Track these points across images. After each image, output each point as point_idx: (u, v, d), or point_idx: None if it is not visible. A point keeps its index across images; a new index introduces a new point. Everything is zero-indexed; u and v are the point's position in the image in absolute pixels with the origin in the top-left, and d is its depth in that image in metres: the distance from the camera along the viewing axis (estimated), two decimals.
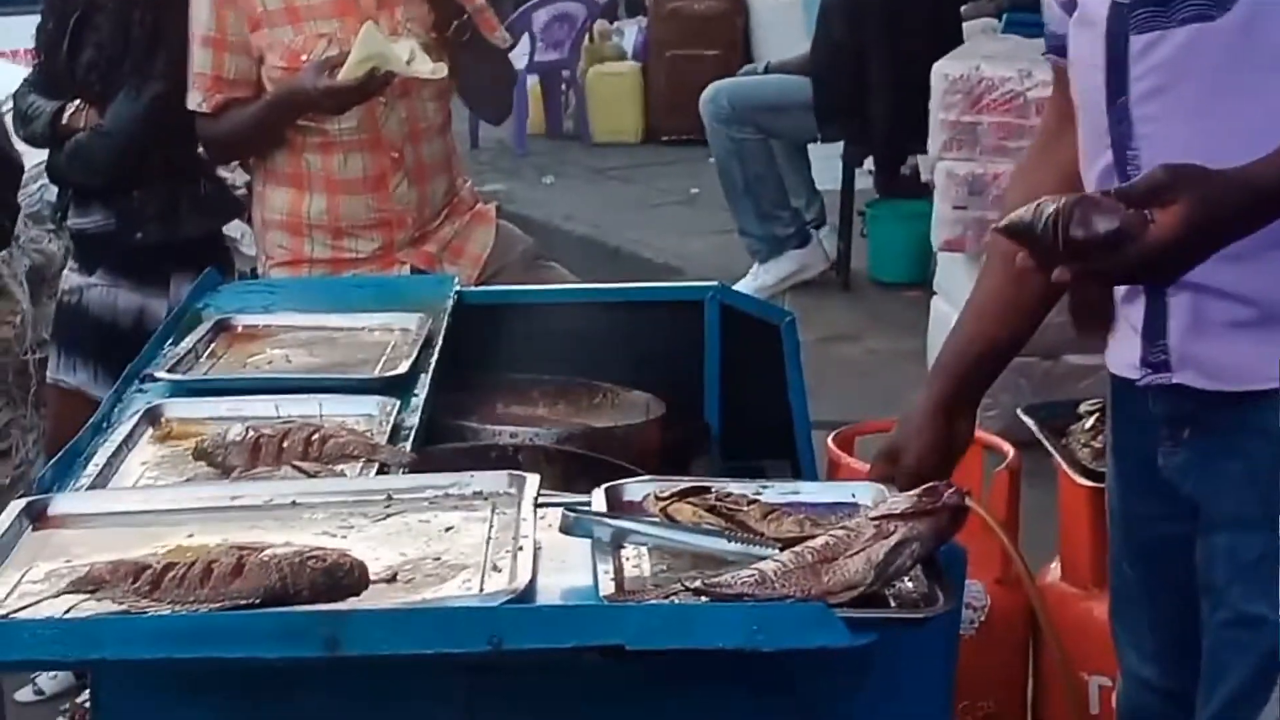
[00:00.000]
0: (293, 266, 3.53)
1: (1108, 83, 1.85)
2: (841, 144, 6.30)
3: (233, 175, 4.14)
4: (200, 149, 3.75)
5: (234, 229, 4.35)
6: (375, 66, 3.22)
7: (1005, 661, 2.81)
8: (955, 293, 5.13)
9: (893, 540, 1.69)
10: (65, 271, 3.92)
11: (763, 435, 2.77)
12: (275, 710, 1.73)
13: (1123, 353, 1.97)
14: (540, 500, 1.86)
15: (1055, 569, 2.86)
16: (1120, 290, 1.93)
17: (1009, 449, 2.86)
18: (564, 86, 10.13)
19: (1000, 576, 2.77)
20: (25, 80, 3.87)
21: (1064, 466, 2.71)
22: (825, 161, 6.51)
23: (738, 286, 6.28)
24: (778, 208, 6.22)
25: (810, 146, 6.43)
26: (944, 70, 4.82)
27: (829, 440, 2.81)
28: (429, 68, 3.29)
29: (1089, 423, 2.81)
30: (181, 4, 3.59)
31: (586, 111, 9.90)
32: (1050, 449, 2.76)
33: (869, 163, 6.50)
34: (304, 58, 3.37)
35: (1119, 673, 2.12)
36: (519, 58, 9.57)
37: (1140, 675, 2.07)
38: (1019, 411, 2.92)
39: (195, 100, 3.47)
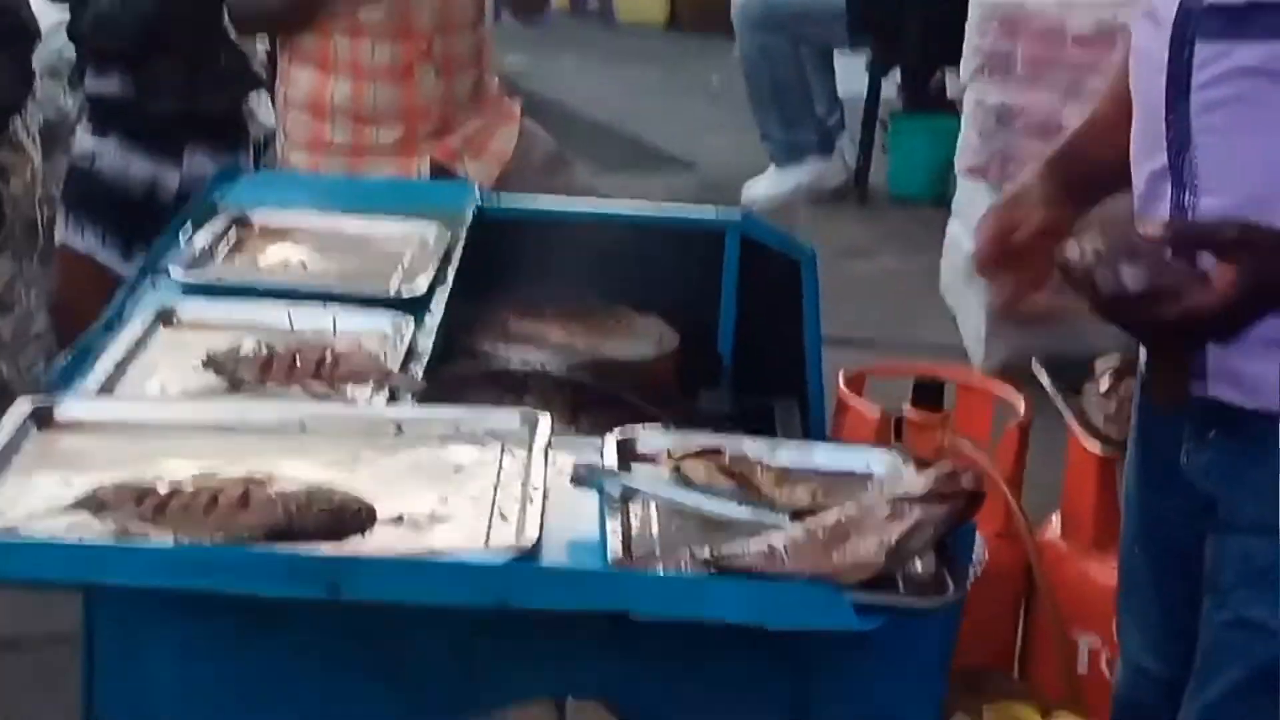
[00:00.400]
0: (313, 150, 3.49)
1: (1168, 85, 1.78)
2: (867, 53, 6.22)
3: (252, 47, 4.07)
4: (225, 20, 3.69)
5: (251, 98, 4.30)
6: None
7: (997, 616, 2.81)
8: (973, 217, 5.05)
9: (908, 523, 1.67)
10: (79, 133, 3.87)
11: (775, 370, 2.75)
12: (272, 640, 1.72)
13: None
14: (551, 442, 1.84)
15: (1055, 525, 2.86)
16: None
17: (1020, 404, 2.83)
18: None
19: (1001, 530, 2.76)
20: None
21: (1075, 427, 2.69)
22: (848, 69, 6.43)
23: (751, 185, 6.28)
24: (803, 115, 6.14)
25: (835, 54, 6.35)
26: None
27: (840, 381, 2.79)
28: None
29: (1104, 384, 2.79)
30: None
31: None
32: (1062, 408, 2.74)
33: (895, 74, 6.43)
34: None
35: (1119, 659, 2.10)
36: None
37: (1140, 663, 2.06)
38: (1034, 364, 2.89)
39: None
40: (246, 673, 1.73)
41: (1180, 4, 1.76)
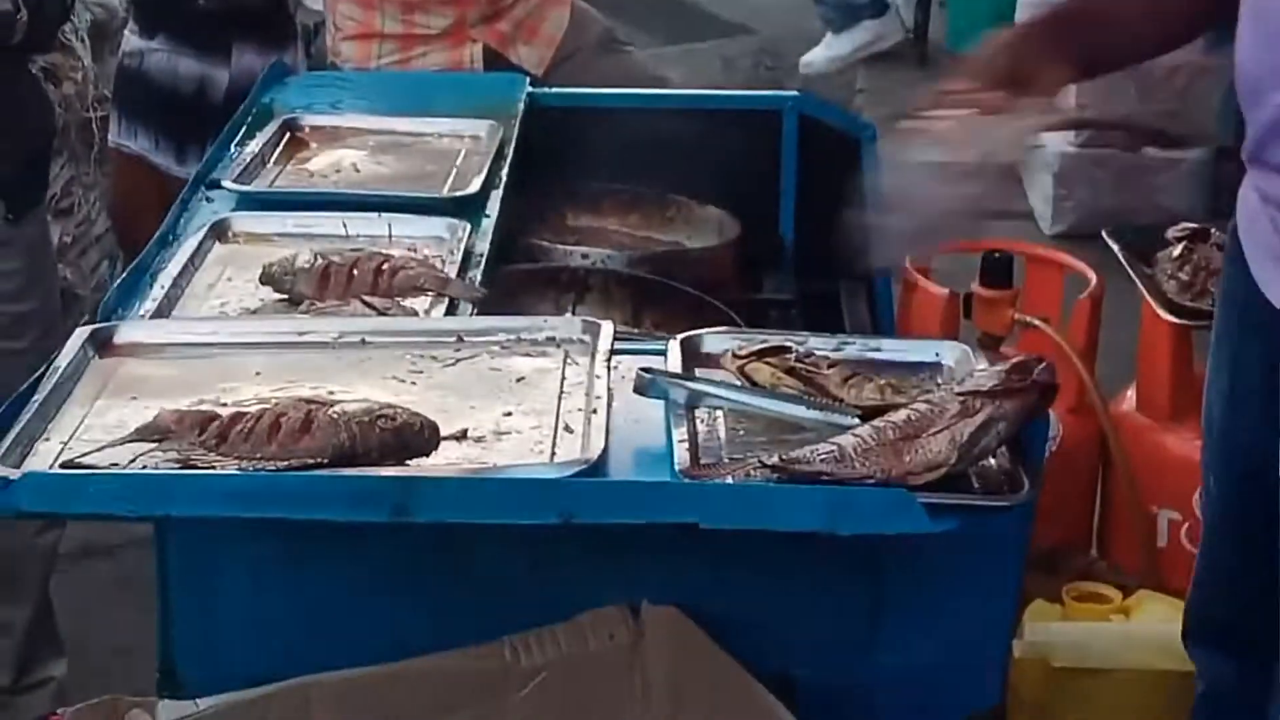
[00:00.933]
0: (363, 40, 3.44)
1: None
2: None
3: None
4: None
5: None
6: None
7: (1073, 492, 2.77)
8: None
9: (979, 419, 1.63)
10: (126, 33, 3.84)
11: (839, 252, 2.70)
12: (342, 559, 1.72)
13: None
14: (615, 345, 1.81)
15: (1130, 398, 2.81)
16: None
17: (1091, 275, 2.78)
18: None
19: (1074, 405, 2.72)
20: None
21: (1148, 298, 2.64)
22: None
23: (809, 56, 6.18)
24: None
25: None
26: None
27: (905, 260, 2.74)
28: None
29: (1176, 250, 2.73)
30: None
31: None
32: (1135, 278, 2.69)
33: None
34: None
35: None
36: None
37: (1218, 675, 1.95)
38: (1104, 234, 2.83)
39: None
40: (318, 593, 1.73)
41: None
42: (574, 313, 2.33)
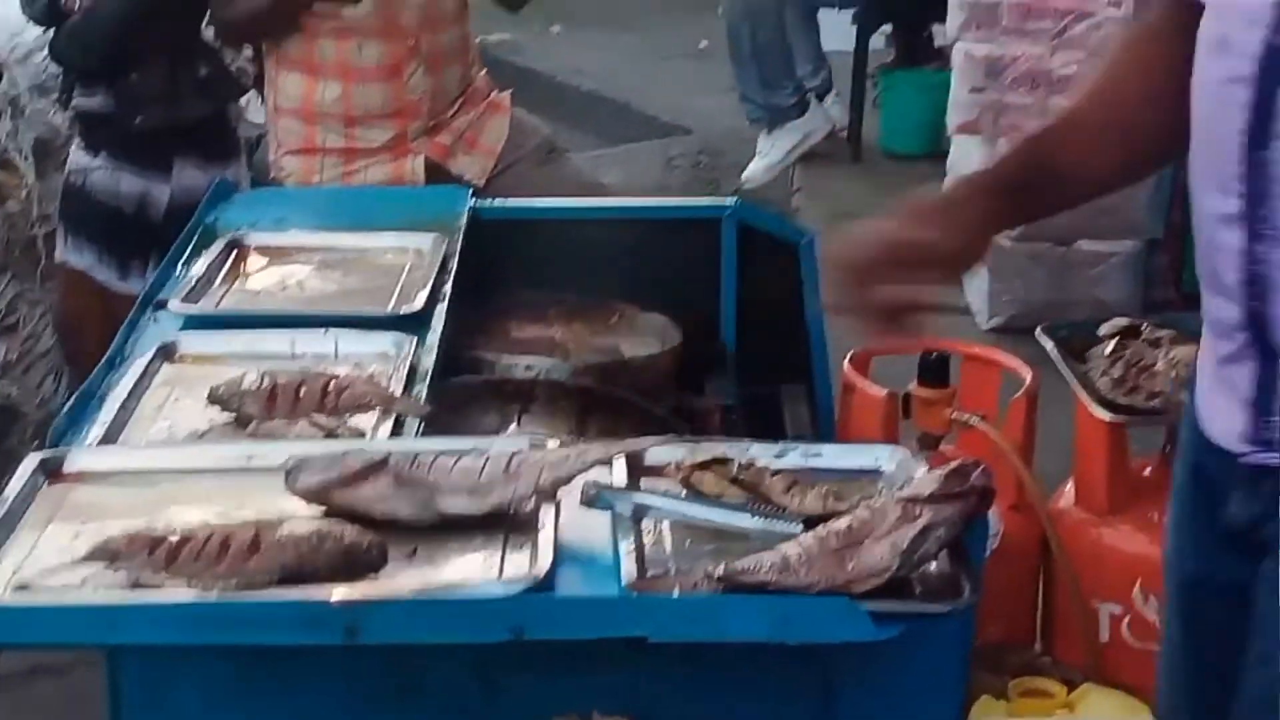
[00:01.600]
0: (305, 155, 3.49)
1: (1251, 128, 1.58)
2: (854, 9, 6.19)
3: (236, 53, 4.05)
4: (201, 28, 3.69)
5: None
6: None
7: (1016, 587, 2.81)
8: (968, 173, 5.07)
9: (919, 525, 1.67)
10: (72, 150, 3.87)
11: (780, 355, 2.75)
12: (293, 679, 1.72)
13: (1221, 421, 1.72)
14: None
15: (1069, 493, 2.86)
16: (1222, 349, 1.71)
17: (1026, 372, 2.83)
18: None
19: (1015, 502, 2.76)
20: None
21: (1082, 396, 2.69)
22: (834, 24, 6.39)
23: (748, 171, 6.27)
24: (781, 77, 6.10)
25: (820, 10, 6.31)
26: None
27: (845, 363, 2.79)
28: None
29: (1108, 347, 2.78)
30: None
31: None
32: (1068, 376, 2.74)
33: (882, 29, 6.40)
34: None
35: None
36: None
37: None
38: (1038, 332, 2.89)
39: None
40: (271, 714, 1.74)
41: (1266, 41, 1.57)
42: (519, 423, 2.35)
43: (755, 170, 6.24)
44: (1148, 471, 2.83)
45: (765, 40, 6.03)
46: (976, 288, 4.86)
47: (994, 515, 2.77)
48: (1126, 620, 2.70)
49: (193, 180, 3.65)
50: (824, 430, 2.68)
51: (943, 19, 5.22)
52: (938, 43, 6.20)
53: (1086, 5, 4.56)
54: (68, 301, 3.94)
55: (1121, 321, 2.84)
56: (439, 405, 2.13)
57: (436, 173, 3.45)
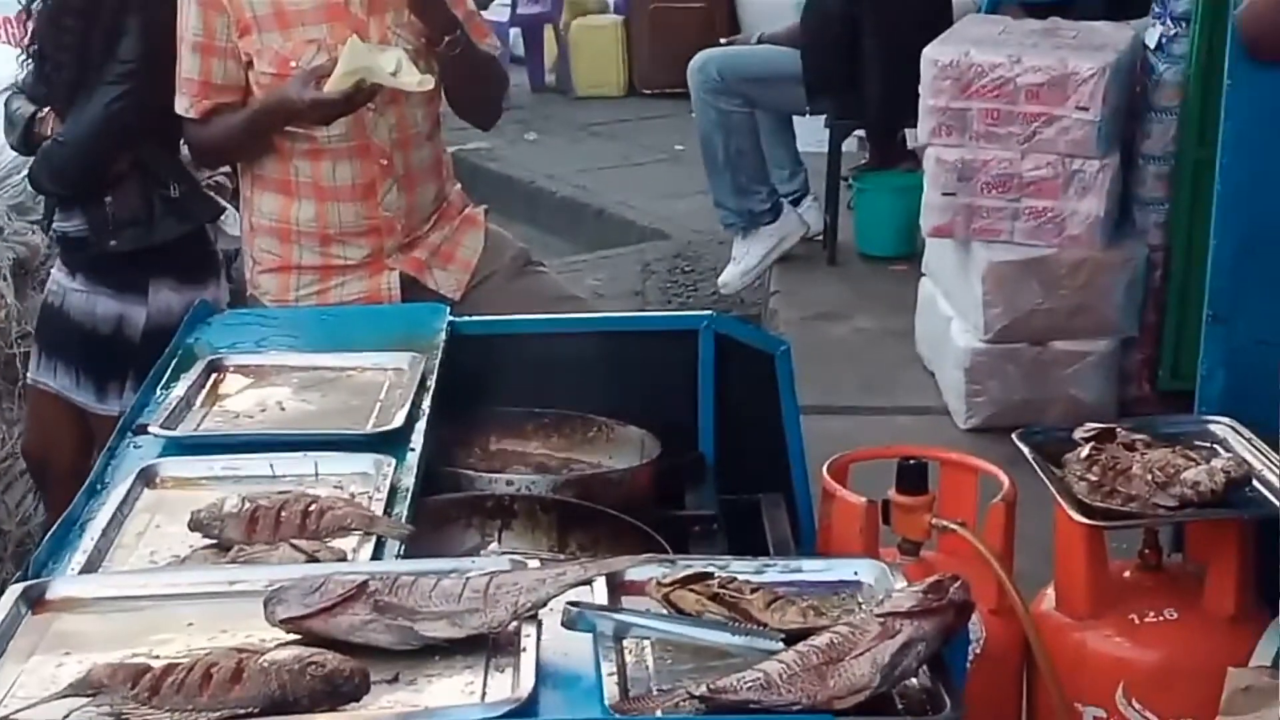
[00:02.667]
0: (281, 273, 3.51)
1: None
2: (825, 114, 6.26)
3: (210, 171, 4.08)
4: (174, 152, 3.72)
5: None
6: (361, 79, 3.20)
7: (999, 692, 2.80)
8: (943, 275, 5.13)
9: (899, 640, 1.68)
10: (53, 270, 3.89)
11: (759, 464, 2.77)
12: None
13: None
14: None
15: (1050, 596, 2.86)
16: None
17: (1004, 477, 2.84)
18: (546, 38, 10.06)
19: (995, 607, 2.76)
20: (14, 82, 3.82)
21: (1060, 501, 2.70)
22: (810, 126, 6.46)
23: (724, 277, 6.33)
24: (755, 183, 6.17)
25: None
26: (933, 56, 4.78)
27: (823, 471, 2.80)
28: (415, 79, 3.26)
29: (1084, 451, 2.80)
30: (119, 6, 3.56)
31: (569, 64, 9.83)
32: (1046, 481, 2.75)
33: (855, 132, 6.48)
34: (293, 64, 3.34)
35: None
36: (501, 9, 9.52)
37: None
38: (1014, 437, 2.90)
39: (183, 105, 3.44)
40: None
41: None
42: (500, 540, 2.36)
43: (731, 276, 6.30)
44: (1127, 574, 2.84)
45: (739, 147, 6.10)
46: (953, 388, 4.89)
47: (976, 620, 2.77)
48: None
49: (168, 302, 3.67)
50: (805, 539, 2.69)
51: (914, 123, 5.30)
52: (910, 145, 6.28)
53: (1054, 110, 4.63)
54: (38, 423, 3.94)
55: (1096, 426, 2.85)
56: (420, 523, 2.14)
57: (412, 287, 3.48)
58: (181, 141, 3.67)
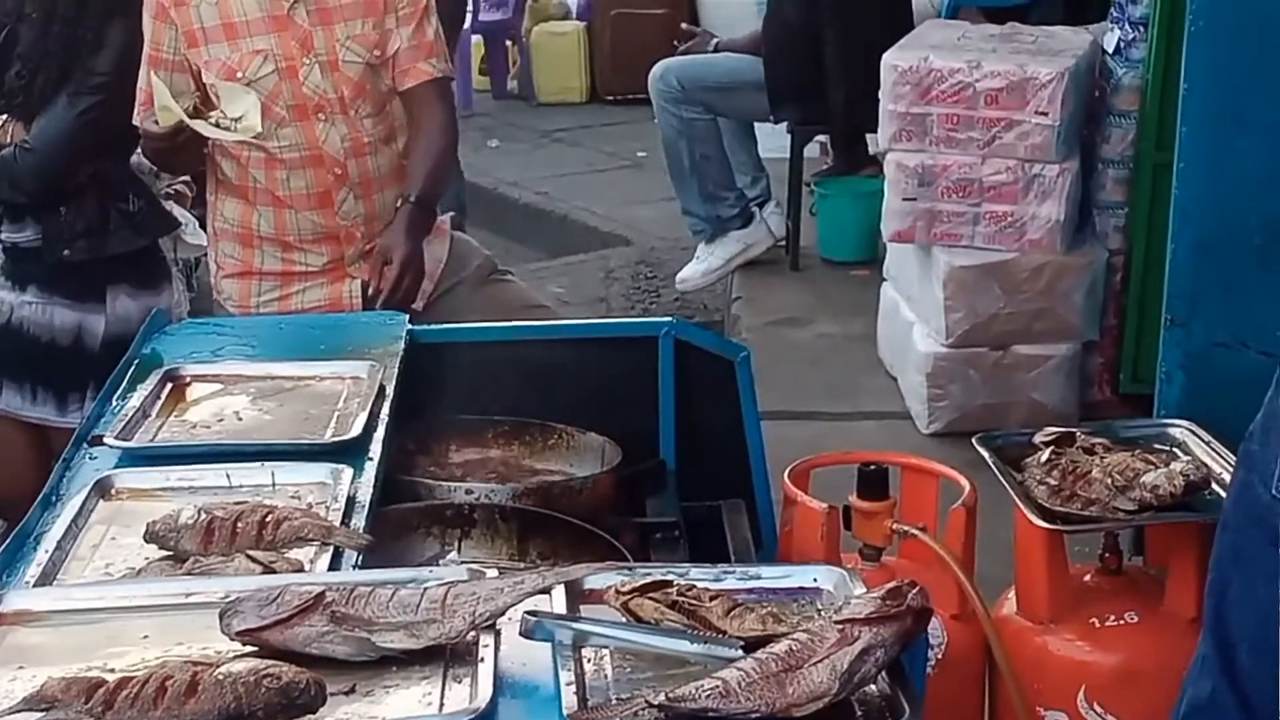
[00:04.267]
0: (243, 278, 3.51)
1: None
2: (787, 121, 6.26)
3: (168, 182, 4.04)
4: (127, 165, 3.70)
5: (178, 217, 4.29)
6: (180, 121, 3.21)
7: (962, 697, 2.80)
8: (905, 279, 5.13)
9: (857, 647, 1.68)
10: None
11: (720, 470, 2.77)
12: None
13: None
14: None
15: (1011, 601, 2.87)
16: None
17: (965, 483, 2.85)
18: (508, 45, 10.05)
19: (957, 612, 2.76)
20: None
21: (1020, 505, 2.71)
22: (772, 131, 6.46)
23: (684, 273, 6.33)
24: (722, 189, 6.18)
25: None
26: (893, 61, 4.79)
27: (784, 477, 2.80)
28: (242, 128, 3.24)
29: (1044, 455, 2.80)
30: (104, 16, 3.54)
31: (531, 71, 9.82)
32: (1006, 486, 2.75)
33: (817, 137, 6.49)
34: (239, 74, 3.34)
35: None
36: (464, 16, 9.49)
37: None
38: (974, 441, 2.91)
39: (138, 116, 3.42)
40: None
41: None
42: (459, 549, 2.35)
43: (692, 273, 6.29)
44: (1088, 578, 2.84)
45: (703, 154, 6.11)
46: (915, 393, 4.89)
47: (938, 625, 2.78)
48: None
49: (126, 308, 3.65)
50: (766, 545, 2.69)
51: (875, 129, 5.31)
52: (872, 150, 6.29)
53: (1014, 115, 4.64)
54: None
55: (1055, 430, 2.86)
56: (378, 532, 2.13)
57: (375, 295, 3.46)
58: (133, 154, 3.66)
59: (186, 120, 3.22)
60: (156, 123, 3.26)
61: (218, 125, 3.23)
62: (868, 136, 6.24)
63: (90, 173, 3.62)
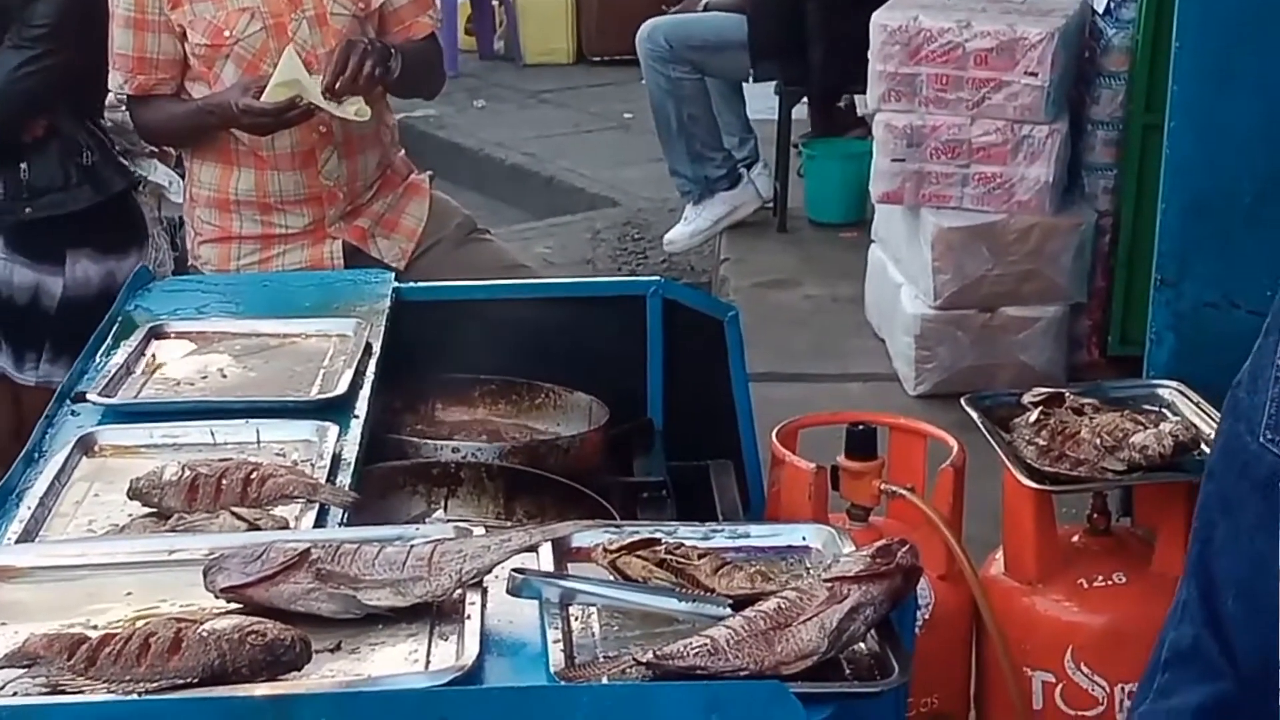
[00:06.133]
0: (221, 243, 3.48)
1: None
2: (774, 81, 6.23)
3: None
4: (93, 119, 3.67)
5: (162, 176, 4.26)
6: (297, 95, 3.17)
7: (949, 657, 2.80)
8: (893, 241, 5.12)
9: (846, 605, 1.67)
10: None
11: (708, 430, 2.75)
12: None
13: None
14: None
15: (999, 561, 2.86)
16: None
17: (953, 443, 2.83)
18: (495, 5, 10.00)
19: (944, 572, 2.75)
20: None
21: (1008, 465, 2.70)
22: (762, 92, 6.44)
23: (671, 234, 6.31)
24: (710, 149, 6.15)
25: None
26: (882, 21, 4.76)
27: (772, 437, 2.79)
28: (354, 109, 3.23)
29: (1033, 415, 2.79)
30: None
31: (518, 32, 9.77)
32: (994, 445, 2.74)
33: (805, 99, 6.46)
34: (226, 33, 3.31)
35: None
36: None
37: None
38: (963, 401, 2.90)
39: (117, 82, 3.41)
40: None
41: None
42: (446, 507, 2.34)
43: (679, 234, 6.27)
44: (1076, 539, 2.84)
45: (691, 113, 6.08)
46: (903, 354, 4.88)
47: (925, 585, 2.77)
48: (1059, 688, 2.70)
49: (86, 272, 3.63)
50: (754, 505, 2.68)
51: (857, 90, 5.27)
52: (860, 111, 6.26)
53: (1004, 75, 4.62)
54: None
55: (1044, 391, 2.85)
56: (364, 490, 2.12)
57: (355, 256, 3.45)
58: (102, 111, 3.63)
59: (320, 103, 3.18)
60: (257, 97, 3.20)
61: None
62: (856, 97, 6.23)
63: (47, 127, 3.59)
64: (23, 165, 3.58)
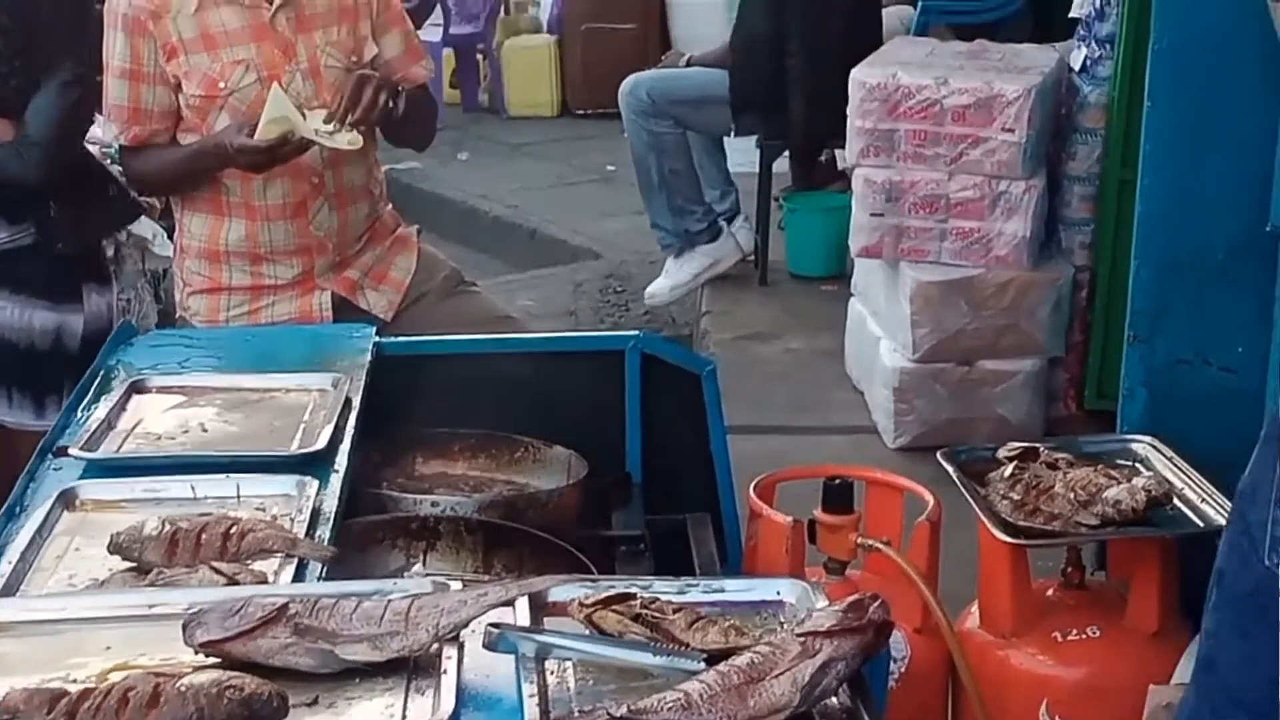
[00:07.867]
0: (211, 294, 3.49)
1: None
2: (754, 136, 6.28)
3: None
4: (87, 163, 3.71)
5: (146, 228, 4.28)
6: (289, 130, 3.20)
7: (925, 710, 2.83)
8: (872, 295, 5.15)
9: (819, 660, 1.69)
10: None
11: (686, 484, 2.77)
12: None
13: None
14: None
15: (974, 614, 2.89)
16: None
17: (929, 497, 2.86)
18: (479, 58, 10.07)
19: (920, 626, 2.78)
20: None
21: (984, 519, 2.72)
22: (743, 143, 6.49)
23: (653, 287, 6.35)
24: (691, 203, 6.20)
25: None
26: (861, 77, 4.81)
27: (750, 491, 2.81)
28: (345, 139, 3.26)
29: (1008, 470, 2.83)
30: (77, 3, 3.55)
31: (502, 85, 9.83)
32: (970, 500, 2.77)
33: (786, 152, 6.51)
34: (221, 84, 3.34)
35: None
36: (434, 29, 9.51)
37: None
38: (939, 456, 2.93)
39: (111, 133, 3.42)
40: None
41: None
42: (425, 561, 2.35)
43: (660, 288, 6.31)
44: (1051, 592, 2.87)
45: (672, 168, 6.13)
46: (882, 407, 4.91)
47: (901, 639, 2.80)
48: None
49: (99, 306, 3.66)
50: (732, 559, 2.70)
51: (838, 144, 5.30)
52: (840, 166, 6.31)
53: (981, 131, 4.67)
54: None
55: (1019, 445, 2.88)
56: (343, 544, 2.13)
57: (344, 308, 3.47)
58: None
59: (312, 137, 3.21)
60: (250, 136, 3.22)
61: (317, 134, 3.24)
62: (836, 152, 6.28)
63: (75, 164, 3.62)
64: (52, 204, 3.60)
